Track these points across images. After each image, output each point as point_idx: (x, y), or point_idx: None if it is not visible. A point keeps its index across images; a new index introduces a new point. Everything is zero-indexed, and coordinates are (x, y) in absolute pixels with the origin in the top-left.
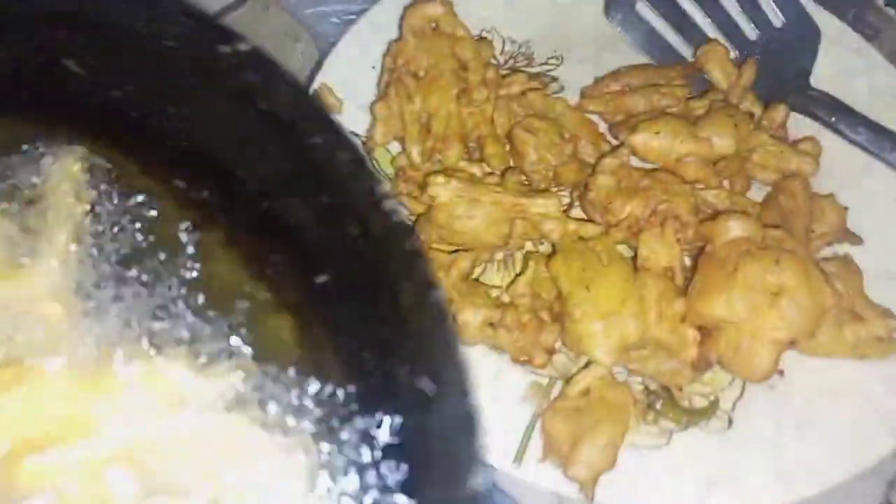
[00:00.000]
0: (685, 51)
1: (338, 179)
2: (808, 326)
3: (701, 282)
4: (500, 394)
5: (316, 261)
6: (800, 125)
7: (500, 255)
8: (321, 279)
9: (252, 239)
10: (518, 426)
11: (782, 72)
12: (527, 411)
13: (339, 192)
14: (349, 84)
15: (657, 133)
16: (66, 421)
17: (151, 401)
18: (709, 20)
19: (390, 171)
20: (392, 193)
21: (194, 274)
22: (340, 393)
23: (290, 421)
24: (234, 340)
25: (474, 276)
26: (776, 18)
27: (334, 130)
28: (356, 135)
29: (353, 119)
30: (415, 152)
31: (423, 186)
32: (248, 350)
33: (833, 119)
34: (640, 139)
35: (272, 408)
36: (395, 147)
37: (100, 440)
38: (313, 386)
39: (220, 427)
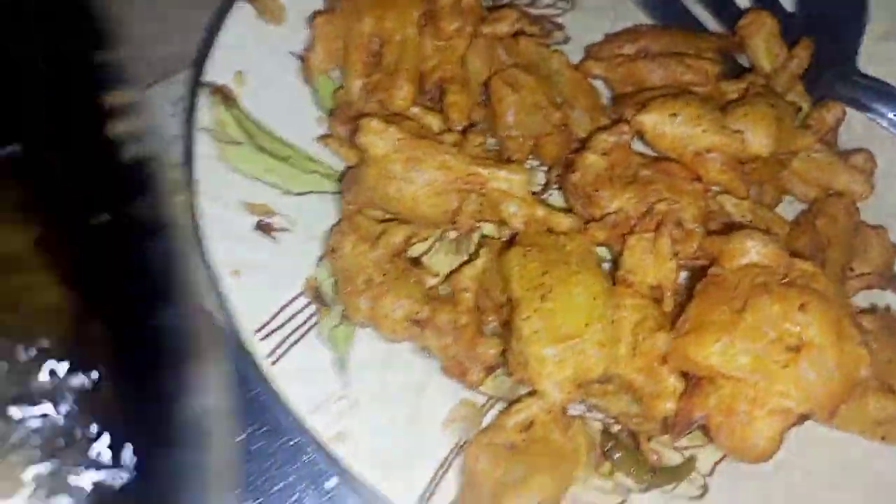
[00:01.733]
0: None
1: None
2: (830, 400)
3: (696, 314)
4: (419, 411)
5: None
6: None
7: (453, 234)
8: None
9: None
10: (433, 456)
11: (821, 52)
12: (448, 439)
13: None
14: None
15: (674, 115)
16: None
17: None
18: None
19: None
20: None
21: None
22: None
23: None
24: None
25: (414, 255)
26: None
27: None
28: (296, 56)
29: (294, 34)
30: (355, 86)
31: (356, 131)
32: None
33: (890, 113)
34: (650, 119)
35: None
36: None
37: None
38: None
39: None
